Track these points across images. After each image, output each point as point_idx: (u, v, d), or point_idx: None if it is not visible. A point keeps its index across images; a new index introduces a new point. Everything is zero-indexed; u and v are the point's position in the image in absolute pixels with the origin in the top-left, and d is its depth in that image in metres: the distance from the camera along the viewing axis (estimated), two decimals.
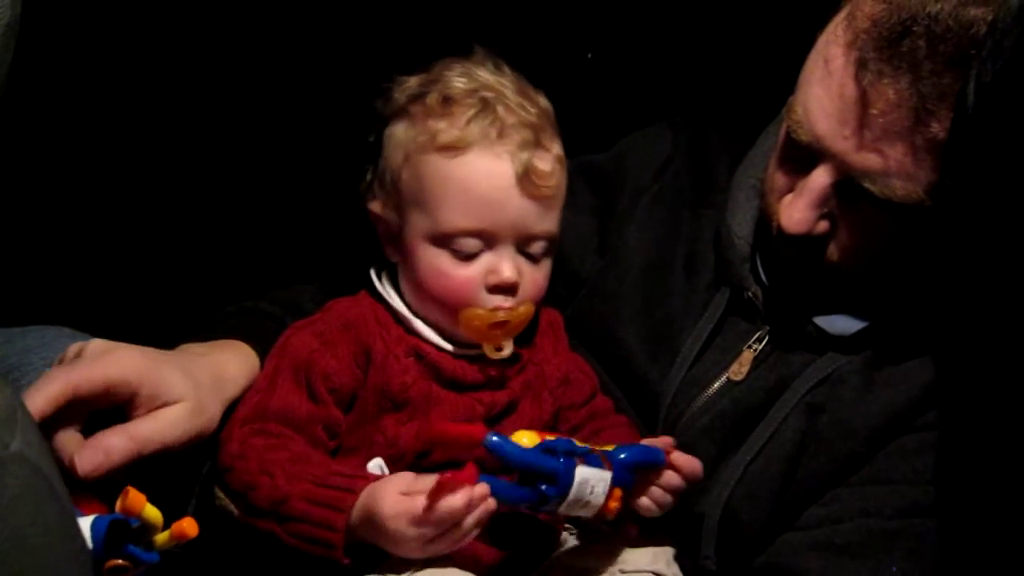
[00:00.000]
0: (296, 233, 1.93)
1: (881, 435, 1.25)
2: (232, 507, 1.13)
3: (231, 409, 1.19)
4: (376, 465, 1.16)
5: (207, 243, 1.94)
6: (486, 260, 1.18)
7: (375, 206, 1.25)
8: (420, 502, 1.03)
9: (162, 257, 1.93)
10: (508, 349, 1.21)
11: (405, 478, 1.07)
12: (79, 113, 1.87)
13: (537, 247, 1.21)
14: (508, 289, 1.19)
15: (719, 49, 1.85)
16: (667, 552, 1.24)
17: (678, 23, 1.87)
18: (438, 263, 1.19)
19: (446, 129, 1.17)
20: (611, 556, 1.20)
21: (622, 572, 1.19)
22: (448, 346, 1.22)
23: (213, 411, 1.16)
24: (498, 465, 1.07)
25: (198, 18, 1.87)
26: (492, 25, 1.86)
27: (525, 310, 1.20)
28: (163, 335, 1.17)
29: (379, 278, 1.26)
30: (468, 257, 1.18)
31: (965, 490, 1.20)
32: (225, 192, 1.95)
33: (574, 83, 1.89)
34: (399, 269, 1.26)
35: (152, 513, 0.98)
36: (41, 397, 1.05)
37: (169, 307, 1.75)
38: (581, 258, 1.44)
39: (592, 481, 1.08)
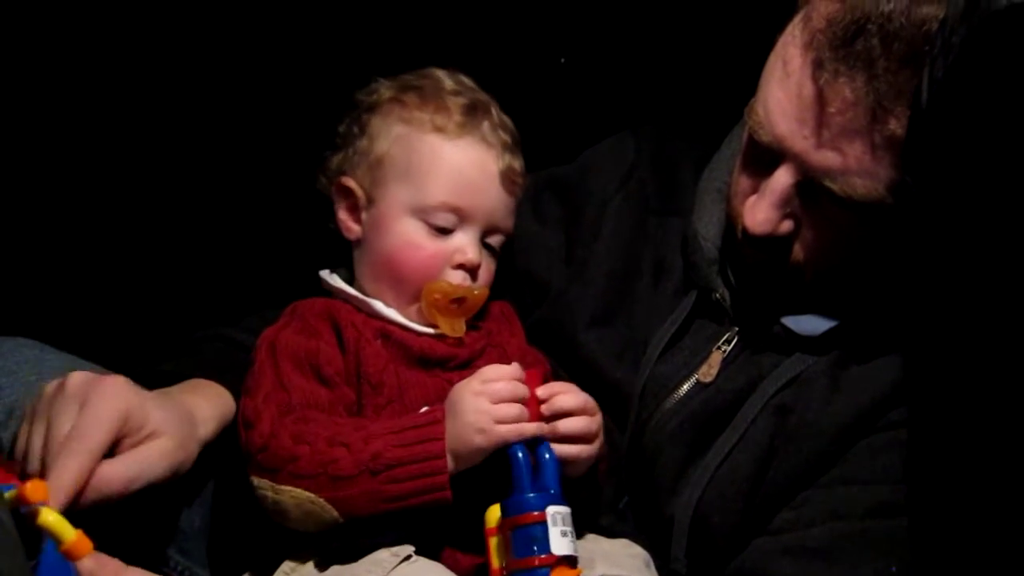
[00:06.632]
0: (254, 243, 1.94)
1: (849, 434, 1.25)
2: (303, 492, 1.13)
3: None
4: (426, 410, 1.18)
5: (165, 252, 1.94)
6: (456, 240, 1.26)
7: (348, 181, 1.30)
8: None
9: (120, 266, 1.92)
10: (462, 329, 1.26)
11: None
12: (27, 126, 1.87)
13: (496, 240, 1.30)
14: (471, 271, 1.27)
15: (686, 54, 1.86)
16: (643, 556, 1.24)
17: (646, 29, 1.88)
18: (412, 234, 1.26)
19: (443, 115, 1.27)
20: (587, 561, 1.19)
21: None
22: (411, 323, 1.26)
23: (191, 449, 1.16)
24: None
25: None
26: (467, 30, 1.87)
27: (481, 293, 1.28)
28: (122, 344, 1.17)
29: (328, 277, 1.31)
30: (441, 232, 1.26)
31: (934, 487, 1.20)
32: (183, 201, 1.95)
33: (547, 87, 1.90)
34: (356, 248, 1.31)
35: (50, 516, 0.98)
36: (70, 476, 1.03)
37: (129, 316, 1.75)
38: (549, 269, 1.45)
39: None
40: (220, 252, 1.93)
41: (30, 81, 1.83)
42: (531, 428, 1.14)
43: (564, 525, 1.10)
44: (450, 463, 1.13)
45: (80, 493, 1.04)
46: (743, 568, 1.25)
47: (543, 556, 1.09)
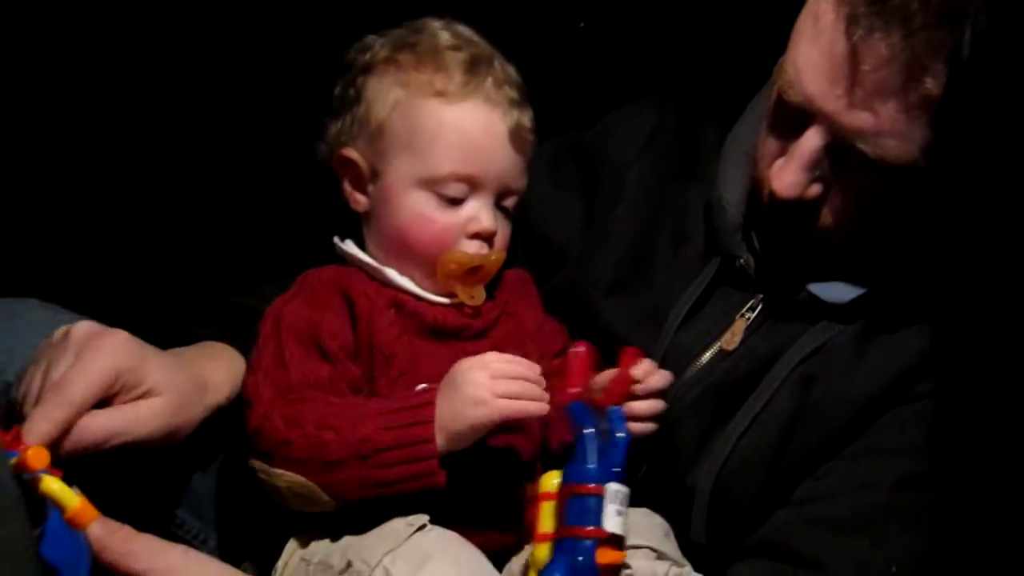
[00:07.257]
0: (270, 208, 1.92)
1: (875, 405, 1.22)
2: (295, 476, 1.12)
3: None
4: (423, 388, 1.16)
5: (175, 216, 1.93)
6: (468, 208, 1.22)
7: (349, 152, 1.25)
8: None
9: (135, 231, 1.91)
10: (481, 297, 1.23)
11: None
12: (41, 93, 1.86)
13: (510, 202, 1.25)
14: (487, 238, 1.23)
15: (708, 16, 1.83)
16: (663, 526, 1.22)
17: None
18: (423, 207, 1.21)
19: (443, 77, 1.21)
20: None
21: None
22: (425, 293, 1.23)
23: (193, 413, 1.14)
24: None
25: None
26: None
27: (498, 258, 1.24)
28: (137, 309, 1.15)
29: (342, 244, 1.28)
30: (452, 203, 1.21)
31: (960, 460, 1.18)
32: (200, 166, 1.94)
33: (567, 52, 1.87)
34: (366, 221, 1.27)
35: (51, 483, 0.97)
36: (47, 425, 1.02)
37: (141, 278, 1.73)
38: (567, 235, 1.42)
39: None
40: (237, 218, 1.92)
41: (33, 51, 1.81)
42: (535, 407, 1.11)
43: (621, 504, 1.09)
44: (441, 442, 1.10)
45: (58, 443, 1.02)
46: (764, 540, 1.24)
47: (593, 528, 1.07)
